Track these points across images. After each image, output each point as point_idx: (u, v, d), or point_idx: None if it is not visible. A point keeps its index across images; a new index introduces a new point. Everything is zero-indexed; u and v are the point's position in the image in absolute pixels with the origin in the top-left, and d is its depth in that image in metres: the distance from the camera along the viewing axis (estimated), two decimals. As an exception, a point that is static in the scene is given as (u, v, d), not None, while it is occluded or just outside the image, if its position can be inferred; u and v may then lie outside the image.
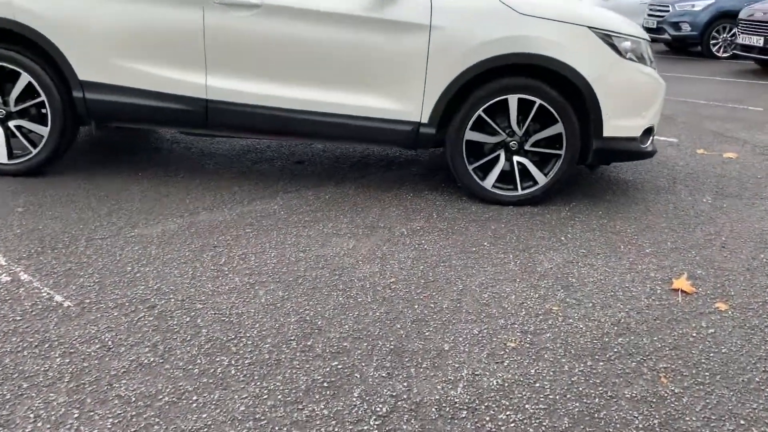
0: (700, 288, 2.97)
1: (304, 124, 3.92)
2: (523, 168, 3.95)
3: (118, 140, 5.16)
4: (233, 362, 2.24)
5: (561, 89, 3.85)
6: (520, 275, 3.03)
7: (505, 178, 3.99)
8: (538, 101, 3.82)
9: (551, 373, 2.27)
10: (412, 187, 4.26)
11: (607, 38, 3.83)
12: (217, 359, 2.26)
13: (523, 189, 3.97)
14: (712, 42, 12.34)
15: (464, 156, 3.94)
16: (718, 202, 4.20)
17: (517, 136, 3.92)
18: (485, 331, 2.53)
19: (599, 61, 3.83)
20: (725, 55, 12.31)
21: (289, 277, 2.90)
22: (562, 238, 3.49)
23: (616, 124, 3.89)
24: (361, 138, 4.01)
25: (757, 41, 9.95)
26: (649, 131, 4.08)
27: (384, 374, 2.22)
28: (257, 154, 4.92)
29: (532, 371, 2.28)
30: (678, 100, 7.71)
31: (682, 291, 2.93)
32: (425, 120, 3.88)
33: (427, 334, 2.49)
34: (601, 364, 2.34)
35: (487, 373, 2.25)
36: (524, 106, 3.88)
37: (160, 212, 3.63)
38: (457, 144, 3.92)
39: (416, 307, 2.69)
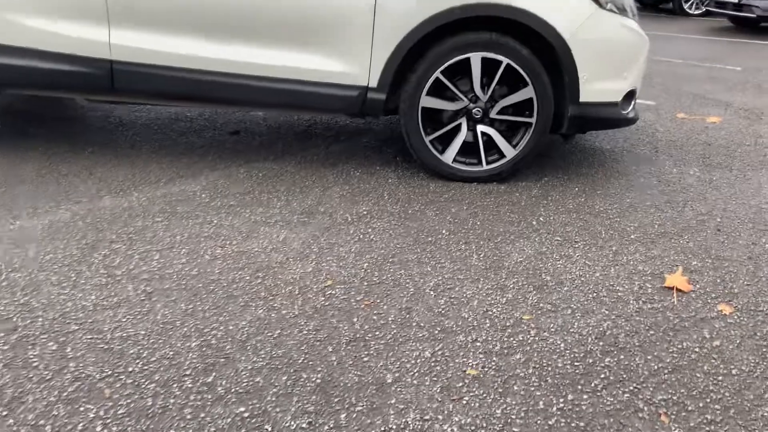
0: (698, 285, 2.49)
1: (230, 90, 3.30)
2: (488, 139, 3.41)
3: (26, 108, 4.47)
4: (101, 413, 1.68)
5: (532, 47, 3.30)
6: (484, 273, 2.50)
7: (468, 150, 3.44)
8: (505, 61, 3.26)
9: (522, 414, 1.76)
10: (361, 162, 3.69)
11: (585, -14, 3.27)
12: (81, 409, 1.69)
13: (488, 163, 3.43)
14: (684, -2, 11.86)
15: (420, 126, 3.37)
16: (706, 174, 3.72)
17: (481, 102, 3.37)
18: (440, 353, 2.00)
19: (575, 13, 3.27)
20: (697, 12, 11.84)
21: (198, 283, 2.33)
22: (534, 223, 2.98)
23: (595, 88, 3.35)
24: (299, 105, 3.41)
25: (732, -3, 9.47)
26: (630, 95, 3.56)
27: (304, 424, 1.68)
28: (186, 124, 4.28)
29: (498, 411, 1.77)
30: (653, 59, 7.20)
31: (677, 289, 2.45)
32: (374, 84, 3.30)
33: (365, 359, 1.96)
34: (586, 397, 1.84)
35: (440, 417, 1.73)
36: (489, 67, 3.31)
37: (54, 197, 3.00)
38: (411, 112, 3.35)
39: (355, 320, 2.15)
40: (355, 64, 3.27)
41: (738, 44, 8.84)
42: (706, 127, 4.70)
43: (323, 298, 2.27)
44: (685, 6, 11.81)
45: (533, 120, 3.36)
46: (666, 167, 3.81)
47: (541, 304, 2.30)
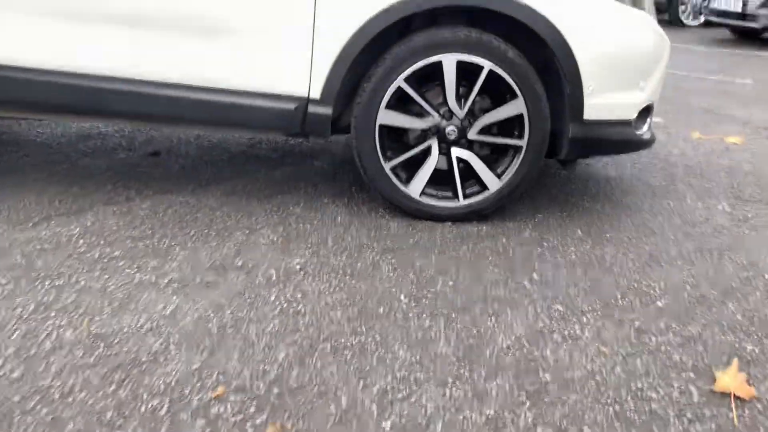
0: (761, 386, 1.72)
1: (126, 100, 2.50)
2: (465, 166, 2.64)
3: None
4: None
5: (522, 47, 2.54)
6: (455, 370, 1.71)
7: (441, 180, 2.67)
8: (488, 65, 2.49)
9: None
10: (306, 194, 2.90)
11: (592, -31, 2.52)
12: None
13: (466, 197, 2.65)
14: (681, 8, 11.20)
15: (377, 148, 2.59)
16: (738, 210, 2.97)
17: (456, 119, 2.60)
18: None
19: (579, 3, 2.52)
20: (695, 22, 11.20)
21: (14, 394, 1.52)
22: (526, 283, 2.20)
23: (603, 101, 2.59)
24: (220, 121, 2.61)
25: (735, 5, 8.81)
26: (647, 111, 2.80)
27: None
28: (96, 142, 3.48)
29: None
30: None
31: (735, 396, 1.68)
32: (316, 94, 2.52)
33: None
34: None
35: None
36: (468, 74, 2.55)
37: None
38: (366, 130, 2.57)
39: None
40: (290, 68, 2.49)
41: (743, 56, 8.17)
42: (726, 149, 3.96)
43: (202, 422, 1.47)
44: (682, 16, 11.17)
45: (523, 142, 2.59)
46: (688, 201, 3.05)
47: (539, 428, 1.52)
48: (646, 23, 2.66)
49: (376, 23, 2.43)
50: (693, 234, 2.67)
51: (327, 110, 2.54)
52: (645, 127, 2.82)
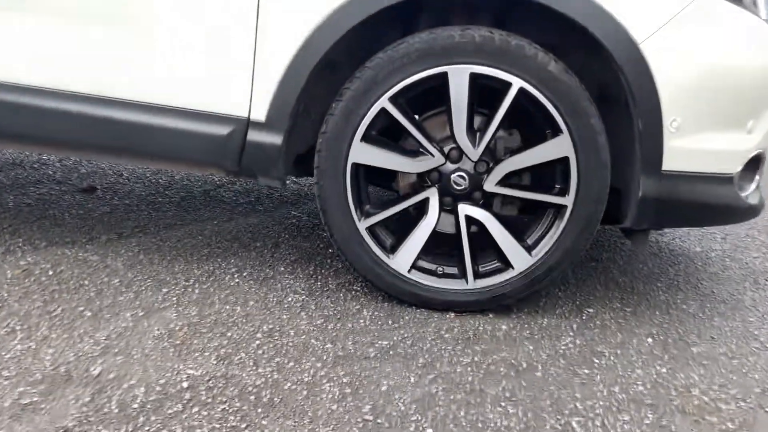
0: None
1: (16, 122, 1.75)
2: (480, 230, 1.77)
3: None
4: None
5: (571, 61, 1.69)
6: None
7: (443, 248, 1.82)
8: (518, 82, 1.64)
9: None
10: (259, 257, 2.08)
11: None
12: None
13: (479, 277, 1.78)
14: None
15: (348, 198, 1.76)
16: None
17: (468, 161, 1.75)
18: None
19: (663, 1, 1.66)
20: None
21: None
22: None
23: (693, 145, 1.69)
24: (124, 149, 1.81)
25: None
26: (755, 163, 1.88)
27: None
28: (21, 173, 2.75)
29: None
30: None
31: None
32: (259, 115, 1.71)
33: None
34: None
35: None
36: (488, 95, 1.71)
37: None
38: (333, 171, 1.74)
39: None
40: (221, 75, 1.70)
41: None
42: None
43: None
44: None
45: (569, 201, 1.71)
46: (810, 297, 2.09)
47: None
48: (759, 34, 1.77)
49: (348, 14, 1.63)
50: (830, 355, 1.72)
51: (276, 138, 1.72)
52: (752, 187, 1.90)
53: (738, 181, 1.81)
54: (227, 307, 1.73)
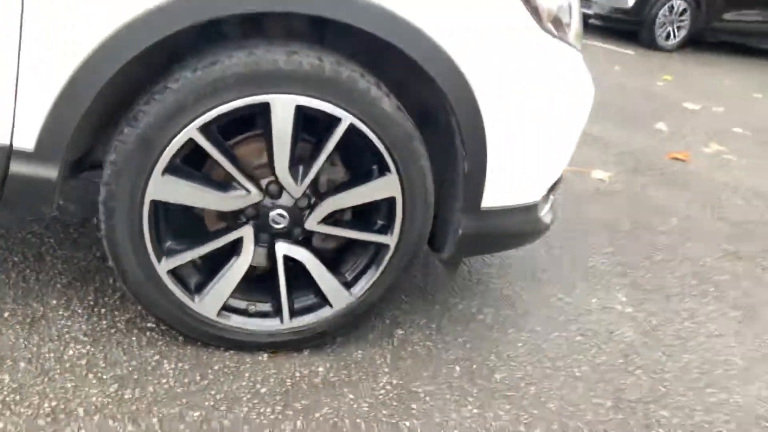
0: None
1: None
2: (294, 263, 1.63)
3: None
4: None
5: (400, 92, 1.56)
6: None
7: (252, 281, 1.64)
8: (349, 118, 1.48)
9: None
10: (26, 278, 1.70)
11: (519, -22, 1.57)
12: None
13: (295, 315, 1.65)
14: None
15: (147, 240, 1.48)
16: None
17: (288, 197, 1.56)
18: None
19: (493, 32, 1.56)
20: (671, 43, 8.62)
21: None
22: None
23: (509, 181, 1.70)
24: None
25: None
26: (554, 186, 1.98)
27: None
28: None
29: None
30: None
31: None
32: (26, 143, 1.33)
33: None
34: None
35: None
36: (312, 128, 1.52)
37: None
38: (128, 211, 1.44)
39: None
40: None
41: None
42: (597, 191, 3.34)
43: None
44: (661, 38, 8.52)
45: (392, 240, 1.63)
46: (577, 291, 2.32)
47: None
48: (581, 68, 1.79)
49: (146, 29, 1.29)
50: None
51: (47, 173, 1.36)
52: (547, 207, 1.99)
53: (540, 205, 1.89)
54: None
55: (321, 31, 1.61)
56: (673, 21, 8.34)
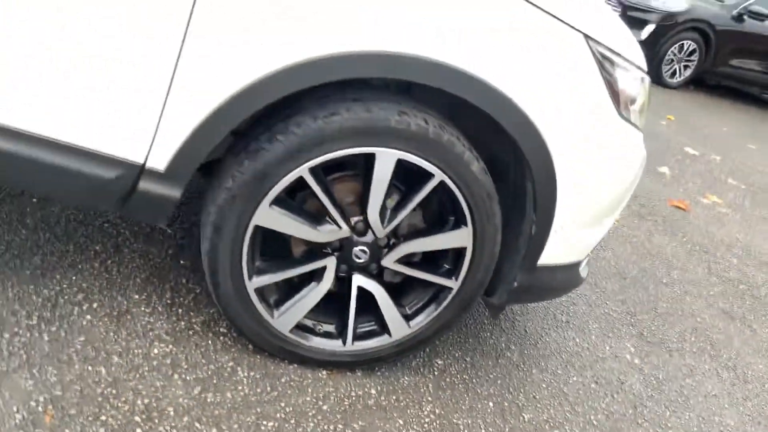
0: None
1: None
2: (363, 295, 1.78)
3: None
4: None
5: (487, 159, 1.72)
6: None
7: (325, 306, 1.79)
8: (440, 175, 1.62)
9: None
10: (108, 268, 1.82)
11: (607, 66, 1.73)
12: None
13: (357, 338, 1.80)
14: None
15: (243, 258, 1.62)
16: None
17: (372, 236, 1.71)
18: None
19: (580, 115, 1.72)
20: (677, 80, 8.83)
21: None
22: None
23: (564, 243, 1.86)
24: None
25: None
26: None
27: None
28: None
29: None
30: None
31: None
32: (159, 164, 1.45)
33: None
34: None
35: None
36: (403, 177, 1.67)
37: None
38: (234, 232, 1.57)
39: None
40: (121, 112, 1.39)
41: None
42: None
43: None
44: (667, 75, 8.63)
45: (456, 284, 1.79)
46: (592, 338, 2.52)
47: None
48: (640, 147, 1.96)
49: (293, 80, 1.42)
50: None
51: (174, 192, 1.49)
52: (585, 262, 2.18)
53: (582, 262, 2.06)
54: (88, 367, 1.52)
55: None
56: (681, 60, 8.57)
